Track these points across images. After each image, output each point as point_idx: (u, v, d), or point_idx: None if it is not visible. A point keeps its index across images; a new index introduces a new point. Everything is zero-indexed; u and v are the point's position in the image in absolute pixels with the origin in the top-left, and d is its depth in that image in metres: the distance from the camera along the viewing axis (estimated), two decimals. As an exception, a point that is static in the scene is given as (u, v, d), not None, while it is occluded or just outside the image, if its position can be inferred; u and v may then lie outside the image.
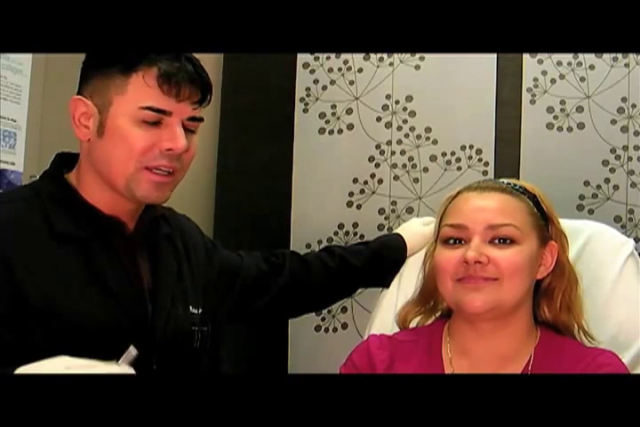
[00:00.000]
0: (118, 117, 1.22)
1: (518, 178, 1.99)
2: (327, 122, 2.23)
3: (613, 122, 2.05)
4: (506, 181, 1.32)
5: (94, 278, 1.22)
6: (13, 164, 1.72)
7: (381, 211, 2.17)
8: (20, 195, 1.29)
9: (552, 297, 1.29)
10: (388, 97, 2.19)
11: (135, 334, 1.23)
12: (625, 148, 2.04)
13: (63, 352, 1.16)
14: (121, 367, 1.08)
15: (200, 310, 1.36)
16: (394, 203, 2.16)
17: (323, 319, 2.17)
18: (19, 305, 1.16)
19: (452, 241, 1.26)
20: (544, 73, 2.10)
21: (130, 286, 1.26)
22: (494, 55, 2.12)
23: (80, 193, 1.27)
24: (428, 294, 1.35)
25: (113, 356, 1.17)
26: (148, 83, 1.21)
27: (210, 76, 1.29)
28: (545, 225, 1.28)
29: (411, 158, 2.16)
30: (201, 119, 1.28)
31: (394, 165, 2.17)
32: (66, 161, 1.31)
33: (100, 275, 1.23)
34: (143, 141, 1.22)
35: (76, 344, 1.17)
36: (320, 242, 2.19)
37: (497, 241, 1.23)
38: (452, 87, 2.15)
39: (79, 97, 1.26)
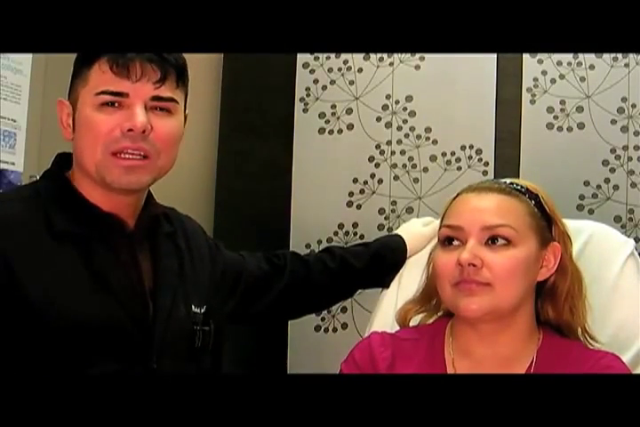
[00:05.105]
0: (83, 108, 1.26)
1: (518, 178, 1.99)
2: (327, 122, 2.23)
3: (613, 122, 2.05)
4: (508, 181, 1.30)
5: (94, 276, 1.22)
6: (13, 164, 1.72)
7: (381, 211, 2.17)
8: (21, 194, 1.30)
9: (556, 298, 1.28)
10: (388, 97, 2.19)
11: (136, 333, 1.23)
12: (625, 148, 2.04)
13: (62, 351, 1.16)
14: None
15: (203, 310, 1.35)
16: (394, 203, 2.16)
17: (323, 319, 2.17)
18: (19, 304, 1.16)
19: (448, 242, 1.25)
20: (544, 73, 2.10)
21: (130, 284, 1.26)
22: (494, 55, 2.12)
23: (80, 191, 1.28)
24: (430, 294, 1.35)
25: (114, 355, 1.17)
26: (103, 69, 1.24)
27: (182, 58, 1.29)
28: (547, 226, 1.27)
29: (411, 158, 2.16)
30: (170, 99, 1.27)
31: (394, 165, 2.17)
32: (66, 161, 1.32)
33: (100, 273, 1.23)
34: (104, 125, 1.24)
35: (76, 343, 1.17)
36: (320, 242, 2.19)
37: (492, 242, 1.22)
38: (451, 87, 2.15)
39: (61, 99, 1.30)
